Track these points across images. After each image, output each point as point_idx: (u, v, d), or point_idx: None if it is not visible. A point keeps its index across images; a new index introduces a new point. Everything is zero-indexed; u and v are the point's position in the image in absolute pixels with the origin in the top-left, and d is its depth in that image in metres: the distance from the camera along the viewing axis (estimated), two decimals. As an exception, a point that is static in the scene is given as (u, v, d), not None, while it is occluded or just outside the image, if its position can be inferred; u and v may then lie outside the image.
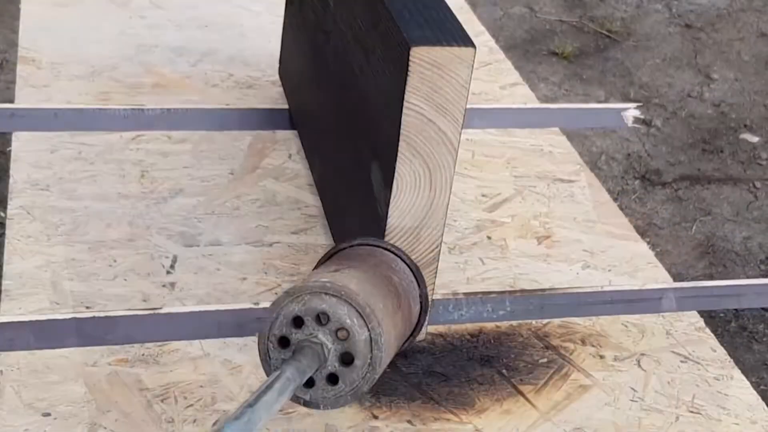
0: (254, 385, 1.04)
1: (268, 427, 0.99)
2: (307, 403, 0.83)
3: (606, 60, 3.60)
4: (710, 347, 1.17)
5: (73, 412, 0.98)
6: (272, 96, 1.61)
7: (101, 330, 1.07)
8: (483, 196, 1.42)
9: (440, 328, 1.15)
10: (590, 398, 1.07)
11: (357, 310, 0.81)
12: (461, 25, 0.98)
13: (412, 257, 1.02)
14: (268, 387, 0.75)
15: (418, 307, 0.96)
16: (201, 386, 1.03)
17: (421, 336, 1.04)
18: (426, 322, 0.99)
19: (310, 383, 0.82)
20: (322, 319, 0.81)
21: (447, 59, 0.93)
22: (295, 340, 0.82)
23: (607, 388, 1.09)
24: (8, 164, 1.38)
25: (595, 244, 1.34)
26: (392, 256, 0.97)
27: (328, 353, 0.81)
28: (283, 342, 0.82)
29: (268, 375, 0.83)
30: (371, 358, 0.81)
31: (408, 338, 0.96)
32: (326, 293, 0.81)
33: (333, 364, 0.81)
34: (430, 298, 1.01)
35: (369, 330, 0.81)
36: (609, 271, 1.28)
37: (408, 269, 0.97)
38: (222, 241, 1.26)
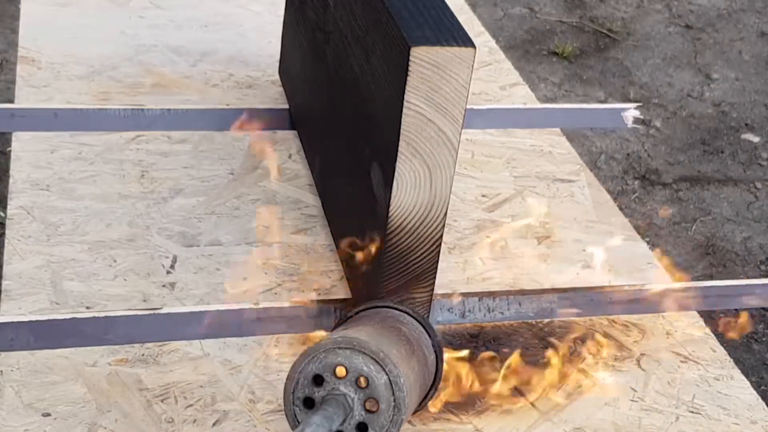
0: (254, 385, 1.04)
1: (268, 427, 0.99)
2: None
3: (606, 60, 3.60)
4: (710, 347, 1.17)
5: (73, 412, 0.98)
6: (272, 96, 1.61)
7: (101, 330, 1.07)
8: (483, 196, 1.42)
9: (440, 328, 1.14)
10: (590, 398, 1.07)
11: (372, 357, 0.84)
12: (461, 26, 0.98)
13: (413, 257, 1.02)
14: None
15: (433, 356, 0.98)
16: (201, 386, 1.03)
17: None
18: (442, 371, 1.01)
19: None
20: (339, 373, 0.84)
21: (447, 59, 0.93)
22: (319, 398, 0.85)
23: (607, 388, 1.09)
24: (8, 164, 1.38)
25: (595, 244, 1.33)
26: (398, 312, 1.00)
27: (352, 402, 0.84)
28: (308, 403, 0.85)
29: None
30: (395, 400, 0.84)
31: (430, 388, 0.98)
32: (339, 348, 0.84)
33: (359, 413, 0.84)
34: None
35: (387, 373, 0.84)
36: (609, 271, 1.28)
37: (416, 321, 0.99)
38: (222, 241, 1.26)
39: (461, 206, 1.38)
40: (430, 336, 0.99)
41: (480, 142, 1.55)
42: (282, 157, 1.45)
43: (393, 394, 0.84)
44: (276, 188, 1.37)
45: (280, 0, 1.58)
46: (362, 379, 0.84)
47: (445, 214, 1.00)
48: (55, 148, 1.40)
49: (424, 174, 0.97)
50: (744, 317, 1.21)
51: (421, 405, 0.98)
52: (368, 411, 0.84)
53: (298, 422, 0.85)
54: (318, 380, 0.85)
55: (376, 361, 0.84)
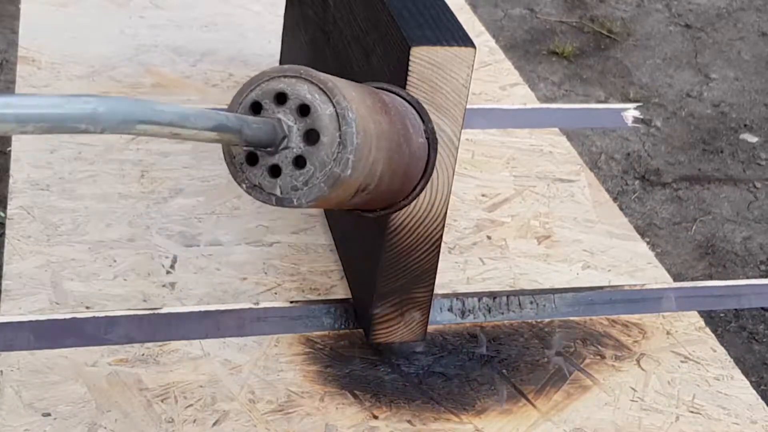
0: (254, 385, 1.04)
1: (268, 427, 0.99)
2: (279, 200, 0.76)
3: (606, 60, 3.60)
4: (710, 347, 1.17)
5: (73, 412, 0.98)
6: (272, 96, 1.60)
7: (101, 330, 1.07)
8: (483, 196, 1.42)
9: (440, 328, 1.15)
10: (590, 398, 1.07)
11: (318, 86, 0.74)
12: (461, 25, 0.98)
13: (413, 257, 1.02)
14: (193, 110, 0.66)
15: (423, 140, 0.88)
16: (201, 386, 1.03)
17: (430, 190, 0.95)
18: (435, 163, 0.90)
19: (276, 172, 0.75)
20: (280, 99, 0.74)
21: (447, 59, 0.93)
22: None
23: (607, 388, 1.09)
24: (8, 164, 1.38)
25: (595, 244, 1.34)
26: (386, 92, 0.88)
27: (288, 130, 0.74)
28: None
29: (234, 177, 0.76)
30: (340, 136, 0.73)
31: (420, 179, 0.89)
32: (285, 75, 0.74)
33: (298, 146, 0.74)
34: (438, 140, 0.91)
35: (334, 105, 0.73)
36: (609, 271, 1.28)
37: (407, 102, 0.88)
38: (222, 241, 1.26)
39: (461, 206, 1.38)
40: (423, 121, 0.88)
41: (480, 142, 1.55)
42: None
43: (339, 128, 0.73)
44: (276, 188, 1.37)
45: (280, 0, 1.58)
46: (304, 108, 0.73)
47: (445, 214, 1.00)
48: (55, 148, 1.40)
49: (424, 174, 0.97)
50: None
51: (409, 197, 0.89)
52: (308, 144, 0.74)
53: (233, 154, 0.76)
54: (256, 108, 0.75)
55: (324, 92, 0.73)
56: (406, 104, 0.90)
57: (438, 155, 0.96)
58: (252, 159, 0.76)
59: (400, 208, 0.91)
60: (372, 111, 0.79)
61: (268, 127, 0.73)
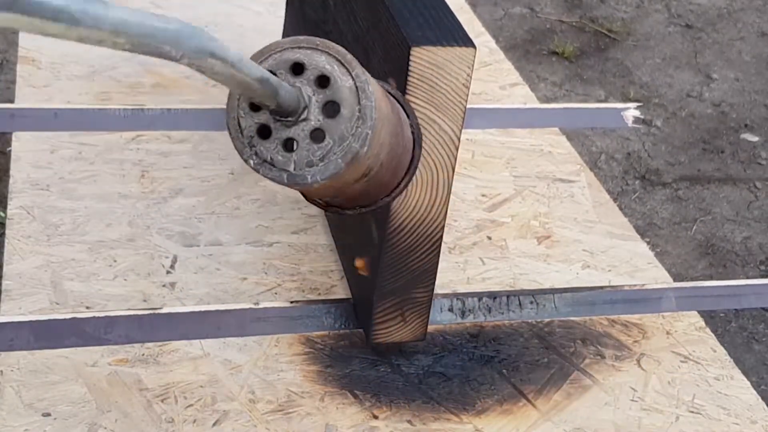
0: (254, 385, 1.04)
1: (268, 427, 0.99)
2: (291, 177, 0.71)
3: (606, 60, 3.60)
4: (710, 347, 1.17)
5: (73, 412, 0.98)
6: (272, 96, 1.60)
7: (101, 330, 1.07)
8: (483, 196, 1.42)
9: (440, 328, 1.15)
10: (590, 398, 1.07)
11: (337, 58, 0.70)
12: (461, 25, 0.98)
13: (413, 257, 1.02)
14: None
15: (410, 134, 0.86)
16: (201, 386, 1.03)
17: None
18: (419, 161, 0.89)
19: (291, 146, 0.71)
20: (296, 69, 0.71)
21: (447, 59, 0.93)
22: None
23: (607, 388, 1.09)
24: (8, 164, 1.38)
25: (595, 244, 1.34)
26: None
27: (308, 100, 0.70)
28: (255, 106, 0.71)
29: (240, 153, 0.71)
30: (360, 109, 0.70)
31: (405, 173, 0.87)
32: (300, 47, 0.71)
33: (316, 117, 0.70)
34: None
35: (353, 78, 0.70)
36: (609, 271, 1.28)
37: (392, 97, 0.86)
38: (222, 241, 1.26)
39: (461, 206, 1.38)
40: (408, 116, 0.86)
41: (480, 142, 1.55)
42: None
43: (359, 101, 0.70)
44: (276, 188, 1.37)
45: (280, 0, 1.58)
46: (323, 79, 0.70)
47: (445, 214, 1.00)
48: (55, 148, 1.40)
49: (424, 174, 0.97)
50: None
51: (391, 194, 0.87)
52: (327, 117, 0.70)
53: (241, 128, 0.71)
54: None
55: (342, 64, 0.70)
56: (393, 98, 0.88)
57: (438, 155, 0.96)
58: (264, 132, 0.71)
59: (380, 207, 0.90)
60: (382, 95, 0.77)
61: (291, 94, 0.68)
